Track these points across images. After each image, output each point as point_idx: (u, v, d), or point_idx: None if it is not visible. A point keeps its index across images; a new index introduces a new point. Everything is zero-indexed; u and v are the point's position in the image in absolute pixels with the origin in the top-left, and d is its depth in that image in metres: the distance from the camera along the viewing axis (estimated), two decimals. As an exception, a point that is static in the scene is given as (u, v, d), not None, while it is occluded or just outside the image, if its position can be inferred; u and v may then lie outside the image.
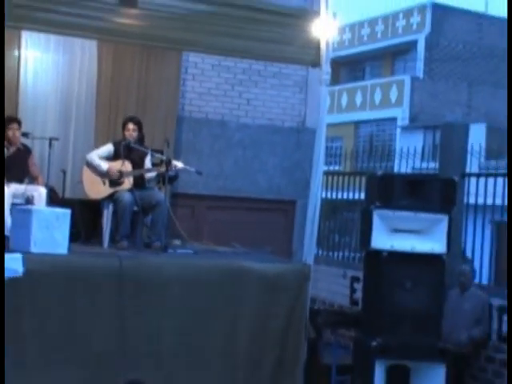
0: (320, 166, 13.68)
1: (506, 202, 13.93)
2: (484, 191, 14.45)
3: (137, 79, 15.33)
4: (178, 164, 13.41)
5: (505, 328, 13.22)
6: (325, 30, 13.13)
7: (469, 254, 14.74)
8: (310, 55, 13.47)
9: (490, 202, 14.31)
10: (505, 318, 13.24)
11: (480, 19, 46.88)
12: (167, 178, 13.34)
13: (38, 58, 14.80)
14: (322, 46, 13.21)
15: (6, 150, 12.82)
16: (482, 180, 14.64)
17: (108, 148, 13.48)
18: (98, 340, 10.98)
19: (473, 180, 14.76)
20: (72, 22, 12.53)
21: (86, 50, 15.11)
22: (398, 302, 12.12)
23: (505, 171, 15.44)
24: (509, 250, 7.78)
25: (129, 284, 11.41)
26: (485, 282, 14.78)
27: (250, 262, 12.65)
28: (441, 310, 12.61)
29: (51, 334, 10.85)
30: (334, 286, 15.39)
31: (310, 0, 14.74)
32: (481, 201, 14.62)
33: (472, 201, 14.80)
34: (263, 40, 13.33)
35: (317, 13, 13.40)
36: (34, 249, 11.02)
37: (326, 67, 13.46)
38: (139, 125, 13.50)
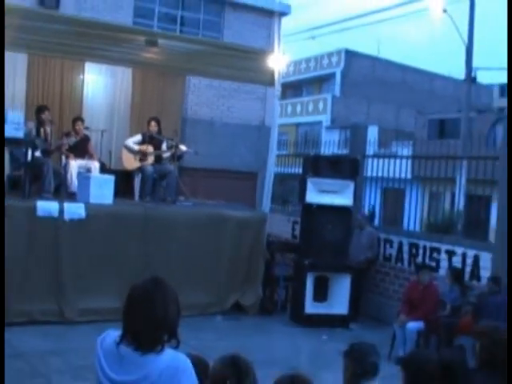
0: (273, 151, 14.03)
1: (390, 175, 14.19)
2: (376, 168, 14.66)
3: (156, 94, 15.46)
4: (183, 147, 13.70)
5: (387, 252, 13.66)
6: (277, 63, 13.41)
7: (366, 207, 14.94)
8: (267, 79, 13.70)
9: (380, 174, 14.48)
10: (388, 246, 13.75)
11: (374, 60, 47.13)
12: (176, 157, 13.69)
13: (95, 80, 14.96)
14: (276, 73, 13.48)
15: (74, 138, 13.00)
16: (375, 160, 14.84)
17: (138, 137, 13.70)
18: (130, 259, 11.35)
19: (370, 160, 14.96)
20: (116, 57, 12.92)
21: (124, 75, 15.25)
22: (322, 237, 12.41)
23: (389, 154, 15.76)
24: (509, 249, 7.79)
25: (151, 223, 11.85)
26: (376, 224, 14.99)
27: (228, 211, 13.06)
28: (348, 242, 12.91)
29: (102, 255, 11.24)
30: (282, 227, 15.56)
31: (269, 43, 14.93)
32: (374, 174, 14.76)
33: (369, 174, 14.99)
34: (238, 68, 13.61)
35: (273, 52, 13.70)
36: (92, 200, 11.39)
37: (278, 87, 13.77)
38: (158, 122, 13.71)
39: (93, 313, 10.69)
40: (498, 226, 11.74)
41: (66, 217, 10.94)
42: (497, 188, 12.09)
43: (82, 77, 14.85)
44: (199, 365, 3.85)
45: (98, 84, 15.14)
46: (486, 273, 11.31)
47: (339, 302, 12.53)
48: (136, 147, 13.53)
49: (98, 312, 10.57)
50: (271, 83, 13.86)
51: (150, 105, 15.18)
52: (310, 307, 12.41)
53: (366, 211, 15.40)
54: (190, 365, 3.59)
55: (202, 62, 13.60)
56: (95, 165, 12.99)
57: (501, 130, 14.46)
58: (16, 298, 10.07)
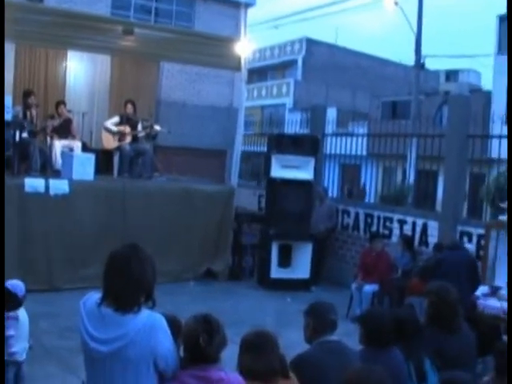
0: (240, 131, 14.07)
1: (347, 152, 14.26)
2: (335, 145, 14.68)
3: (133, 78, 15.38)
4: (157, 127, 13.70)
5: (345, 222, 13.76)
6: (243, 50, 13.40)
7: (325, 181, 14.97)
8: (235, 64, 13.68)
9: (338, 152, 14.53)
10: (345, 216, 13.82)
11: (332, 47, 47.20)
12: (151, 136, 13.68)
13: (77, 67, 14.85)
14: (242, 59, 13.46)
15: (57, 120, 12.94)
16: (334, 139, 14.86)
17: (116, 118, 13.62)
18: (111, 230, 11.32)
19: (329, 138, 14.96)
20: (96, 45, 12.78)
21: (103, 62, 15.15)
22: (286, 208, 12.48)
23: (346, 133, 15.83)
24: (509, 248, 7.86)
25: (129, 197, 11.85)
26: (335, 196, 15.05)
27: (199, 185, 13.12)
28: (310, 212, 12.96)
29: (86, 227, 11.26)
30: (249, 200, 15.57)
31: (236, 32, 14.87)
32: (333, 151, 14.77)
33: (328, 151, 15.03)
34: (208, 55, 13.54)
35: (239, 40, 13.68)
36: (74, 177, 11.35)
37: (244, 72, 13.77)
38: (134, 104, 13.64)
39: (78, 280, 10.66)
40: (443, 198, 11.89)
41: (52, 192, 10.91)
42: (443, 163, 12.22)
43: (64, 64, 14.78)
44: (173, 323, 3.89)
45: (80, 70, 15.04)
46: (433, 239, 11.49)
47: (301, 267, 12.62)
48: (114, 128, 13.47)
49: (82, 279, 10.53)
50: (238, 68, 13.86)
51: (127, 89, 15.09)
52: (275, 272, 12.50)
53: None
54: (165, 323, 3.65)
55: (174, 49, 13.53)
56: (77, 144, 12.93)
57: (446, 111, 14.52)
58: (7, 269, 10.03)
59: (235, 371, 4.01)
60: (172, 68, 16.76)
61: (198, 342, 3.65)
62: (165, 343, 3.61)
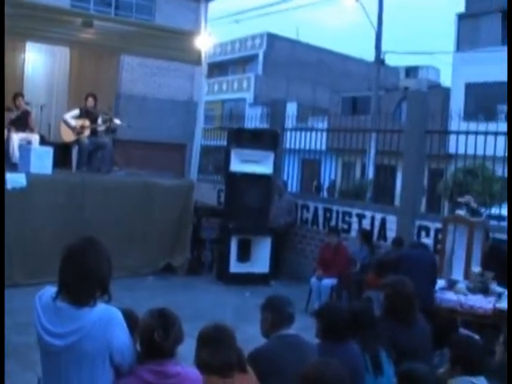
0: (200, 125, 14.06)
1: (307, 147, 14.30)
2: (295, 140, 14.70)
3: (93, 71, 15.20)
4: (117, 121, 13.59)
5: (304, 216, 13.82)
6: (204, 44, 13.38)
7: (285, 176, 14.99)
8: (195, 58, 13.67)
9: (298, 146, 14.57)
10: (305, 210, 13.87)
11: (293, 42, 47.29)
12: (110, 130, 13.57)
13: (35, 59, 14.65)
14: (202, 53, 13.45)
15: (15, 112, 12.78)
16: (294, 133, 14.88)
17: (75, 111, 13.44)
18: (69, 224, 11.18)
19: (288, 133, 14.97)
20: (56, 37, 12.65)
21: (63, 54, 14.93)
22: (245, 202, 12.48)
23: (306, 127, 15.88)
24: (509, 248, 7.86)
25: (87, 191, 11.76)
26: (294, 190, 15.09)
27: (158, 179, 13.04)
28: (269, 207, 13.01)
29: (44, 221, 11.13)
30: (208, 194, 15.54)
31: (197, 26, 14.77)
32: (293, 146, 14.79)
33: (288, 146, 15.06)
34: (168, 48, 13.51)
35: (200, 33, 13.63)
36: (32, 170, 11.22)
37: (205, 66, 13.75)
38: (95, 98, 13.52)
39: (37, 275, 10.52)
40: (402, 192, 11.99)
41: (9, 186, 10.73)
42: (402, 159, 12.31)
43: (23, 56, 14.52)
44: (130, 318, 3.88)
45: (38, 62, 14.83)
46: (391, 233, 11.60)
47: (261, 261, 12.64)
48: (73, 121, 13.31)
49: (41, 274, 10.41)
50: (198, 62, 13.84)
51: (86, 82, 14.91)
52: (234, 267, 12.50)
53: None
54: (121, 317, 3.64)
55: (134, 42, 13.44)
56: (35, 137, 12.74)
57: (405, 107, 14.65)
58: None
59: (193, 365, 4.01)
60: (132, 61, 16.60)
61: (154, 336, 3.64)
62: (121, 337, 3.60)
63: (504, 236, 9.89)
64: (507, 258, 7.26)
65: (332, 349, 4.80)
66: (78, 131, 13.24)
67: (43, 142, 12.98)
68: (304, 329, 5.21)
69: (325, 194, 16.38)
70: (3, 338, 3.52)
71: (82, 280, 3.54)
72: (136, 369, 3.68)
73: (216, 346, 4.02)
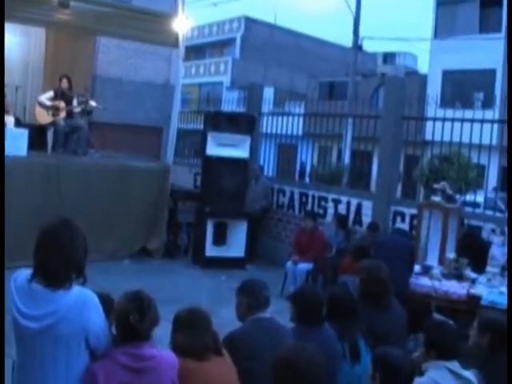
0: (177, 108, 13.99)
1: (284, 131, 14.29)
2: (271, 125, 14.69)
3: (68, 53, 15.02)
4: (93, 103, 13.48)
5: (281, 200, 13.83)
6: (181, 26, 13.29)
7: (261, 160, 14.98)
8: (172, 41, 13.56)
9: (274, 131, 14.55)
10: (281, 195, 13.89)
11: (271, 26, 47.22)
12: (86, 112, 13.47)
13: (10, 39, 14.39)
14: (180, 35, 13.36)
15: None
16: (270, 118, 14.88)
17: (50, 93, 13.29)
18: (45, 207, 11.08)
19: (265, 117, 14.98)
20: (31, 17, 12.55)
21: (38, 35, 14.75)
22: (222, 186, 12.45)
23: (283, 111, 15.87)
24: (509, 247, 7.85)
25: (63, 174, 11.64)
26: (270, 175, 15.09)
27: (134, 162, 13.01)
28: (245, 191, 13.00)
29: (19, 204, 10.96)
30: (184, 178, 15.50)
31: (174, 7, 14.69)
32: (269, 130, 14.78)
33: (265, 130, 15.03)
34: (145, 30, 13.40)
35: (177, 16, 13.54)
36: (7, 152, 11.04)
37: (182, 48, 13.66)
38: (69, 79, 13.33)
39: (13, 259, 10.42)
40: (378, 178, 12.03)
41: (-17, 167, 10.65)
42: (378, 144, 12.35)
43: (-1, 37, 14.33)
44: (105, 301, 3.88)
45: (13, 43, 14.56)
46: (367, 219, 11.65)
47: (237, 245, 12.63)
48: (48, 103, 13.17)
49: (17, 258, 10.31)
50: (176, 45, 13.74)
51: (62, 63, 14.73)
52: (210, 250, 12.48)
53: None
54: (97, 300, 3.64)
55: (111, 23, 13.32)
56: (10, 119, 12.48)
57: (382, 93, 14.67)
58: None
59: (168, 349, 4.02)
60: (108, 43, 16.48)
61: (129, 319, 3.64)
62: (96, 320, 3.59)
63: (479, 223, 9.99)
64: (508, 252, 7.27)
65: (307, 333, 4.82)
66: (54, 113, 13.13)
67: (18, 124, 12.78)
68: (279, 312, 5.23)
69: (307, 179, 16.37)
70: (3, 336, 3.50)
71: (57, 262, 3.53)
72: (111, 351, 3.68)
73: (192, 330, 4.04)
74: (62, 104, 13.20)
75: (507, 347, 4.11)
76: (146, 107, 16.66)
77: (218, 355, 4.12)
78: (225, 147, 12.53)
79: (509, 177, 8.22)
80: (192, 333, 4.03)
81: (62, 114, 13.20)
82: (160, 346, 3.87)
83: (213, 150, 12.52)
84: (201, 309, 4.25)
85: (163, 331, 4.00)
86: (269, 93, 19.84)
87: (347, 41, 30.74)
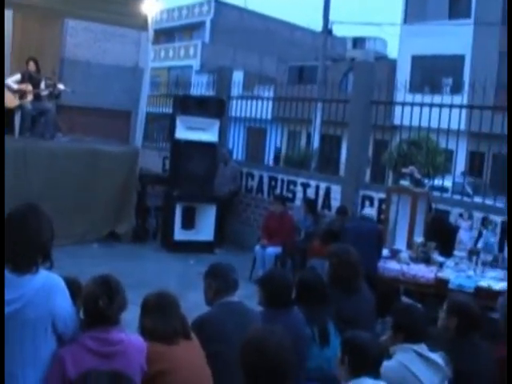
0: (145, 91, 13.91)
1: (253, 115, 14.24)
2: (240, 108, 14.64)
3: (37, 34, 14.94)
4: (61, 86, 13.36)
5: (249, 184, 13.83)
6: (150, 9, 13.19)
7: (230, 144, 14.96)
8: (141, 23, 13.49)
9: (244, 114, 14.51)
10: (249, 179, 13.90)
11: (241, 10, 47.16)
12: (54, 95, 13.34)
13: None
14: (149, 18, 13.28)
15: None
16: (240, 102, 14.82)
17: (17, 76, 13.13)
18: (12, 191, 10.93)
19: (234, 101, 14.94)
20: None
21: (5, 17, 14.52)
22: (190, 170, 12.40)
23: (252, 95, 15.85)
24: (509, 247, 7.83)
25: (30, 158, 11.54)
26: (239, 159, 15.07)
27: (102, 146, 12.96)
28: (214, 175, 12.97)
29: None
30: (153, 161, 15.43)
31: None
32: (239, 114, 14.73)
33: (234, 114, 14.98)
34: (113, 13, 13.30)
35: (146, -2, 13.46)
36: (-28, 134, 10.98)
37: (151, 32, 13.57)
38: (36, 62, 13.17)
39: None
40: (346, 162, 12.07)
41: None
42: (347, 129, 12.38)
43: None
44: (72, 285, 3.87)
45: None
46: (336, 203, 11.70)
47: (205, 229, 12.63)
48: (15, 86, 13.00)
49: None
50: (144, 28, 13.66)
51: (29, 45, 14.62)
52: (179, 234, 12.47)
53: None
54: (64, 284, 3.62)
55: (78, 5, 13.19)
56: (-24, 103, 12.47)
57: (352, 78, 14.70)
58: None
59: (137, 333, 4.01)
60: (77, 25, 16.36)
61: (98, 304, 3.63)
62: (63, 305, 3.58)
63: (446, 207, 10.07)
64: (507, 248, 7.30)
65: (275, 316, 4.83)
66: (21, 96, 12.97)
67: (-16, 107, 12.72)
68: (248, 296, 5.25)
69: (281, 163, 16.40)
70: (3, 335, 3.47)
71: (23, 246, 3.51)
72: (79, 336, 3.67)
73: (160, 314, 4.03)
74: (29, 87, 13.03)
75: (507, 345, 4.13)
76: (114, 90, 16.57)
77: (187, 339, 4.12)
78: (194, 131, 12.48)
79: (509, 176, 8.24)
80: (160, 317, 4.03)
81: (30, 97, 13.02)
82: (128, 331, 3.87)
83: (181, 133, 12.47)
84: (169, 293, 4.24)
85: (131, 315, 3.99)
86: (238, 76, 19.74)
87: (317, 25, 30.78)
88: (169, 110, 14.52)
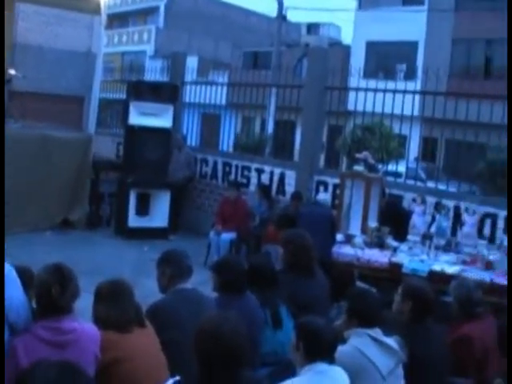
0: (98, 77, 13.82)
1: (208, 101, 14.21)
2: (195, 94, 14.57)
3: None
4: (12, 71, 13.14)
5: (204, 170, 13.80)
6: (103, -7, 13.10)
7: (184, 129, 14.88)
8: (93, 8, 13.37)
9: (198, 100, 14.46)
10: (204, 165, 13.87)
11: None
12: (5, 81, 13.11)
13: None
14: (102, 2, 13.16)
15: None
16: (194, 87, 14.76)
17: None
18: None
19: (189, 87, 14.84)
20: None
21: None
22: (144, 156, 12.33)
23: (206, 81, 15.79)
24: (509, 247, 7.82)
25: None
26: (193, 144, 15.01)
27: (55, 132, 12.75)
28: (168, 161, 12.91)
29: None
30: (107, 148, 15.31)
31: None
32: (193, 100, 14.66)
33: (188, 100, 14.88)
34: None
35: (98, -19, 13.32)
36: None
37: (104, 16, 13.46)
38: (-14, 47, 13.08)
39: None
40: (301, 148, 12.10)
41: None
42: (301, 114, 12.41)
43: None
44: (24, 274, 3.82)
45: None
46: (290, 188, 11.73)
47: (160, 216, 12.59)
48: (-37, 71, 12.81)
49: None
50: (97, 12, 13.51)
51: (-22, 29, 14.32)
52: (133, 221, 12.40)
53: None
54: (15, 274, 3.58)
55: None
56: None
57: (306, 63, 14.71)
58: None
59: (90, 321, 3.97)
60: (27, 9, 15.99)
61: (50, 292, 3.59)
62: (14, 294, 3.54)
63: (400, 192, 10.18)
64: (507, 246, 7.35)
65: (230, 302, 4.86)
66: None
67: None
68: (203, 283, 5.28)
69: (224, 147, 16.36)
70: (3, 336, 3.41)
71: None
72: (31, 326, 3.63)
73: (114, 302, 4.01)
74: (-22, 73, 12.83)
75: (507, 344, 4.17)
76: (67, 76, 16.27)
77: (141, 327, 4.11)
78: (147, 117, 12.39)
79: (508, 175, 8.29)
80: (114, 305, 4.00)
81: (-22, 83, 12.82)
82: (82, 319, 3.84)
83: (135, 119, 12.38)
84: (123, 280, 4.22)
85: (85, 304, 3.96)
86: (192, 62, 19.66)
87: (272, 11, 30.75)
88: (122, 95, 14.39)
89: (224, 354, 3.34)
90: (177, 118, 13.48)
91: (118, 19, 47.10)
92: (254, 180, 12.64)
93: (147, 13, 48.61)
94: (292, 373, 4.00)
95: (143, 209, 12.54)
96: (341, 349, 4.15)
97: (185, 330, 4.18)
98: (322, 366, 3.83)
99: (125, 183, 12.45)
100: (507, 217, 8.28)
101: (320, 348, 3.88)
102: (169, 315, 4.53)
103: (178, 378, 3.46)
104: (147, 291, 5.04)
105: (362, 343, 4.34)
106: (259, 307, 5.14)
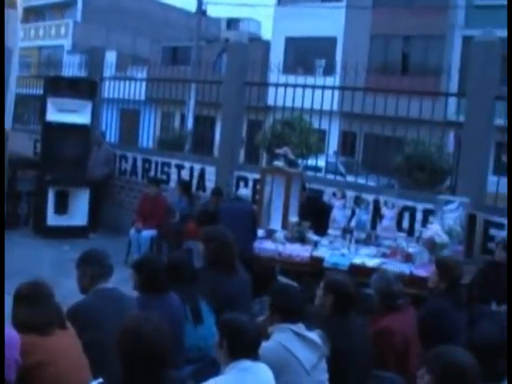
0: (15, 72, 13.38)
1: (126, 96, 14.00)
2: (113, 90, 14.34)
3: None
4: None
5: (123, 167, 13.64)
6: (17, -13, 12.75)
7: (103, 126, 14.70)
8: (8, 1, 12.99)
9: (117, 96, 14.26)
10: (123, 161, 13.71)
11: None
12: None
13: None
14: (16, -3, 12.85)
15: None
16: (112, 83, 14.53)
17: None
18: None
19: (107, 82, 14.57)
20: None
21: None
22: (63, 153, 12.19)
23: (125, 76, 15.61)
24: (509, 246, 7.77)
25: None
26: (113, 141, 14.84)
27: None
28: (87, 158, 12.74)
29: None
30: (24, 145, 14.97)
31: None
32: (112, 95, 14.47)
33: (107, 95, 14.66)
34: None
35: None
36: None
37: (20, 10, 13.08)
38: None
39: None
40: (220, 143, 12.12)
41: None
42: (221, 110, 12.41)
43: None
44: None
45: None
46: (210, 184, 11.73)
47: (79, 214, 12.44)
48: None
49: None
50: (12, 6, 13.14)
51: None
52: (52, 220, 12.21)
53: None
54: None
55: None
56: None
57: (225, 59, 14.73)
58: None
59: (9, 325, 3.89)
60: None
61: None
62: None
63: (320, 186, 10.29)
64: (507, 249, 7.43)
65: (151, 301, 4.85)
66: None
67: None
68: (124, 281, 5.25)
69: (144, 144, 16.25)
70: (3, 335, 3.28)
71: None
72: None
73: (34, 304, 3.94)
74: None
75: (507, 353, 4.20)
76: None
77: (62, 328, 4.05)
78: (65, 113, 12.21)
79: (508, 174, 8.37)
80: (34, 307, 3.94)
81: None
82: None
83: (53, 115, 12.18)
84: (43, 282, 4.16)
85: (4, 306, 3.87)
86: (111, 57, 19.46)
87: (191, 6, 30.65)
88: (40, 91, 14.12)
89: (146, 353, 3.33)
90: (95, 114, 13.30)
91: (34, 13, 46.34)
92: (174, 176, 12.58)
93: (64, 6, 47.88)
94: (216, 370, 4.02)
95: (62, 207, 12.35)
96: (265, 345, 4.18)
97: (107, 331, 4.14)
98: (245, 363, 3.85)
99: (43, 181, 12.25)
100: (507, 216, 8.38)
101: (243, 345, 3.89)
102: (90, 316, 4.49)
103: (100, 380, 3.44)
104: (67, 291, 4.97)
105: (285, 338, 4.38)
106: (180, 304, 5.15)
